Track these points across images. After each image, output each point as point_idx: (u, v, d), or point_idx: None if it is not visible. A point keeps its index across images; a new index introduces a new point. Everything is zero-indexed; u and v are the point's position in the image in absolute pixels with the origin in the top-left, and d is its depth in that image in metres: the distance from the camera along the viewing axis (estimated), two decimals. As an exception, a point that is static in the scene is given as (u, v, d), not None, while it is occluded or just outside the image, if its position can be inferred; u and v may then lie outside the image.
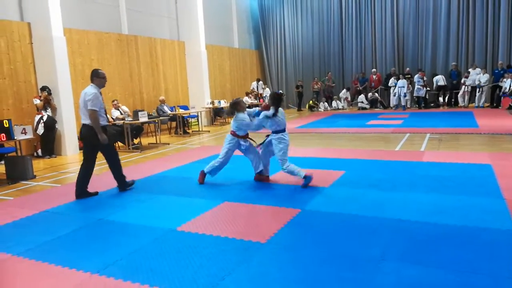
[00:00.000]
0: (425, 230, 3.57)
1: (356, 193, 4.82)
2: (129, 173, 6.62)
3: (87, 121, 5.14)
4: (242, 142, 5.56)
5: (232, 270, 2.97)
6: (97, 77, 5.24)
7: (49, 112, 8.77)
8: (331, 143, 8.90)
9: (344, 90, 17.81)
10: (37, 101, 8.65)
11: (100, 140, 5.14)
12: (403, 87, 15.48)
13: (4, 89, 8.59)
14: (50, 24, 8.69)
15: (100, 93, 5.24)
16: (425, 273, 2.79)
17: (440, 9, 16.13)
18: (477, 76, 14.51)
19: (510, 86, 13.09)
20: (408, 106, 16.12)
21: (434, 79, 15.59)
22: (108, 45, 11.16)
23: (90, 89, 5.15)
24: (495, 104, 14.25)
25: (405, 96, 15.63)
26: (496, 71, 14.33)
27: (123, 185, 5.53)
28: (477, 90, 14.67)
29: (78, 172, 5.29)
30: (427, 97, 15.61)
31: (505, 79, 13.49)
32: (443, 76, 15.43)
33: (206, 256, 3.25)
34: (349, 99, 17.81)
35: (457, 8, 15.80)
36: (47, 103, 8.72)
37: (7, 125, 6.50)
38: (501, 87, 13.83)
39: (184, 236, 3.71)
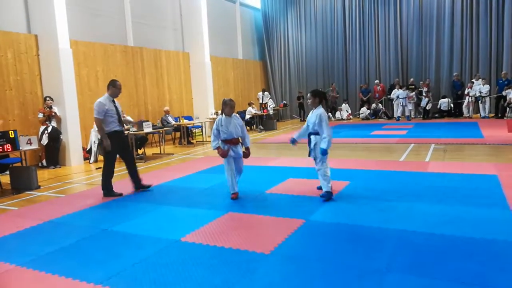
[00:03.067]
0: (431, 241, 3.53)
1: (361, 204, 4.79)
2: (133, 184, 6.64)
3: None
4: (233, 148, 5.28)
5: (236, 282, 2.95)
6: (112, 86, 5.78)
7: (54, 123, 8.84)
8: (335, 153, 8.87)
9: (344, 104, 17.87)
10: (41, 115, 8.72)
11: (104, 145, 5.69)
12: (404, 98, 15.52)
13: (11, 100, 8.68)
14: (57, 36, 8.81)
15: (113, 101, 5.81)
16: (431, 285, 2.75)
17: (443, 19, 16.19)
18: (479, 87, 14.52)
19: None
20: (413, 116, 16.10)
21: (440, 101, 15.62)
22: (113, 57, 11.27)
23: (98, 99, 5.73)
24: (499, 115, 14.19)
25: (404, 105, 15.63)
26: (500, 82, 14.30)
27: (105, 190, 5.88)
28: (479, 100, 14.65)
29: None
30: (427, 108, 15.58)
31: (510, 90, 13.43)
32: (449, 100, 15.44)
33: (210, 267, 3.23)
34: (350, 112, 17.83)
35: (460, 19, 15.85)
36: (52, 116, 8.80)
37: (13, 136, 6.55)
38: (505, 98, 13.79)
39: (188, 247, 3.69)
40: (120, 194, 5.85)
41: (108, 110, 5.67)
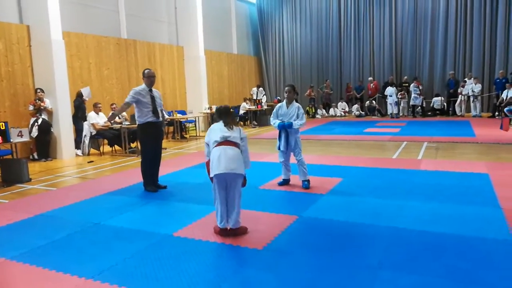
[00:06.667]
0: (422, 238, 3.56)
1: (353, 201, 4.81)
2: (126, 177, 6.61)
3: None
4: None
5: (228, 277, 2.95)
6: (143, 76, 5.66)
7: (44, 115, 8.74)
8: (328, 150, 8.90)
9: (340, 102, 17.96)
10: (31, 108, 8.62)
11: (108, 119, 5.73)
12: (391, 96, 15.62)
13: (1, 92, 8.56)
14: (49, 27, 8.68)
15: (150, 90, 5.59)
16: (422, 282, 2.77)
17: (438, 17, 16.25)
18: (471, 86, 14.57)
19: (506, 96, 13.01)
20: (406, 114, 16.18)
21: (433, 99, 15.72)
22: (106, 49, 11.15)
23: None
24: (496, 114, 14.15)
25: (391, 103, 15.72)
26: (498, 80, 14.28)
27: (144, 183, 5.78)
28: (471, 99, 14.73)
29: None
30: (423, 105, 15.69)
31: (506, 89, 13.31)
32: (442, 99, 15.55)
33: (203, 262, 3.22)
34: (347, 110, 17.92)
35: (454, 17, 15.92)
36: (41, 108, 8.69)
37: (3, 128, 6.47)
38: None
39: (180, 242, 3.68)
40: (157, 188, 5.72)
41: (141, 100, 5.49)
